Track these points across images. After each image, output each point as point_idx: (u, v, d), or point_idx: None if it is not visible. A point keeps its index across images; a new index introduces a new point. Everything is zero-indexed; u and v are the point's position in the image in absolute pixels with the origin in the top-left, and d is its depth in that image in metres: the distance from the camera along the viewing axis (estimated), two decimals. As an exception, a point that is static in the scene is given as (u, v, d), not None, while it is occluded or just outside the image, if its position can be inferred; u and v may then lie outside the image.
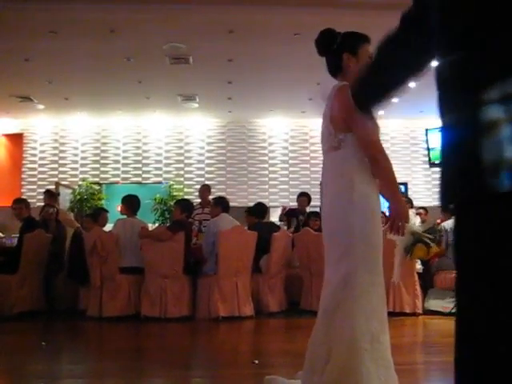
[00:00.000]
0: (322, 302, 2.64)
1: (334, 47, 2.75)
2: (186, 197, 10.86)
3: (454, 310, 5.41)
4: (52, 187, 11.72)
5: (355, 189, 2.57)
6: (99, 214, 7.52)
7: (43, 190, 11.92)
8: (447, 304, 6.43)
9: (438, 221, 7.39)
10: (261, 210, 7.41)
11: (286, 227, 8.03)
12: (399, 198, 2.63)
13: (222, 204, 6.85)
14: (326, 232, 2.72)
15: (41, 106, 11.13)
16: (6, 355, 4.62)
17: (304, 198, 8.47)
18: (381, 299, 2.58)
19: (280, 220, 8.77)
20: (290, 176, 12.56)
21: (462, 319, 1.37)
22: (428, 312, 6.49)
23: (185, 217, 6.79)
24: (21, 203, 7.19)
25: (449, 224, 6.95)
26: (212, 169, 12.54)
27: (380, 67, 1.73)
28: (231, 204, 7.06)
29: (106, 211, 7.76)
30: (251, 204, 8.56)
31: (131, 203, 6.91)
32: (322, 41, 2.79)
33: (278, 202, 12.17)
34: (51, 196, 8.68)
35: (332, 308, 2.55)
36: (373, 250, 2.58)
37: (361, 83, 1.88)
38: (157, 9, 6.78)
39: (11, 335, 5.66)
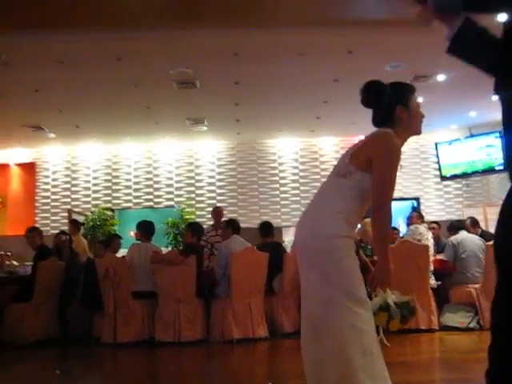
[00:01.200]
0: (306, 317, 2.63)
1: (386, 100, 2.72)
2: (198, 219, 10.89)
3: (470, 325, 5.43)
4: (65, 215, 11.86)
5: (337, 222, 2.58)
6: (111, 241, 7.56)
7: (56, 218, 12.13)
8: (463, 319, 6.36)
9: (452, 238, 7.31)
10: (265, 228, 7.32)
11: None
12: (387, 262, 2.57)
13: (232, 226, 6.85)
14: (302, 249, 2.70)
15: (52, 135, 11.27)
16: (21, 384, 4.63)
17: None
18: (368, 314, 2.55)
19: None
20: (302, 195, 12.55)
21: None
22: (444, 328, 6.41)
23: (196, 240, 6.80)
24: (34, 232, 7.25)
25: (456, 239, 6.91)
26: (223, 191, 12.58)
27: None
28: (244, 225, 7.05)
29: (119, 237, 7.79)
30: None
31: (146, 229, 6.96)
32: (372, 94, 2.74)
33: (291, 221, 12.15)
34: (75, 226, 8.99)
35: (320, 324, 2.53)
36: (351, 273, 2.58)
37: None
38: (161, 35, 6.87)
39: (26, 363, 5.66)
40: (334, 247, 2.56)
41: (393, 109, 2.69)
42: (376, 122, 2.77)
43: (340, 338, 2.45)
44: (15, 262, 8.27)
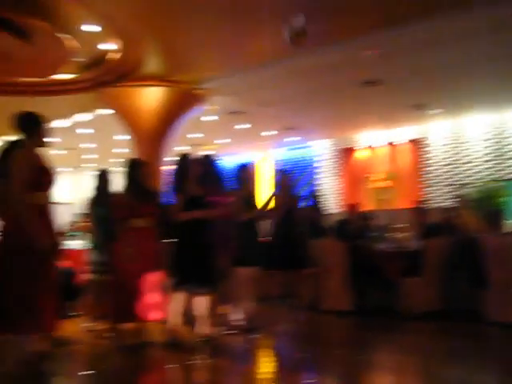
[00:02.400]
0: None
1: None
2: None
3: None
4: (450, 188, 12.16)
5: None
6: (497, 216, 7.31)
7: (442, 192, 12.51)
8: None
9: None
10: None
11: None
12: None
13: None
14: None
15: (436, 111, 11.60)
16: (411, 356, 5.05)
17: None
18: None
19: None
20: None
21: None
22: None
23: None
24: (419, 209, 7.59)
25: None
26: None
27: None
28: None
29: (502, 212, 7.52)
30: None
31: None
32: None
33: None
34: (463, 200, 9.24)
35: None
36: None
37: None
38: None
39: (412, 334, 6.15)
40: None
41: None
42: None
43: None
44: (404, 234, 8.65)
